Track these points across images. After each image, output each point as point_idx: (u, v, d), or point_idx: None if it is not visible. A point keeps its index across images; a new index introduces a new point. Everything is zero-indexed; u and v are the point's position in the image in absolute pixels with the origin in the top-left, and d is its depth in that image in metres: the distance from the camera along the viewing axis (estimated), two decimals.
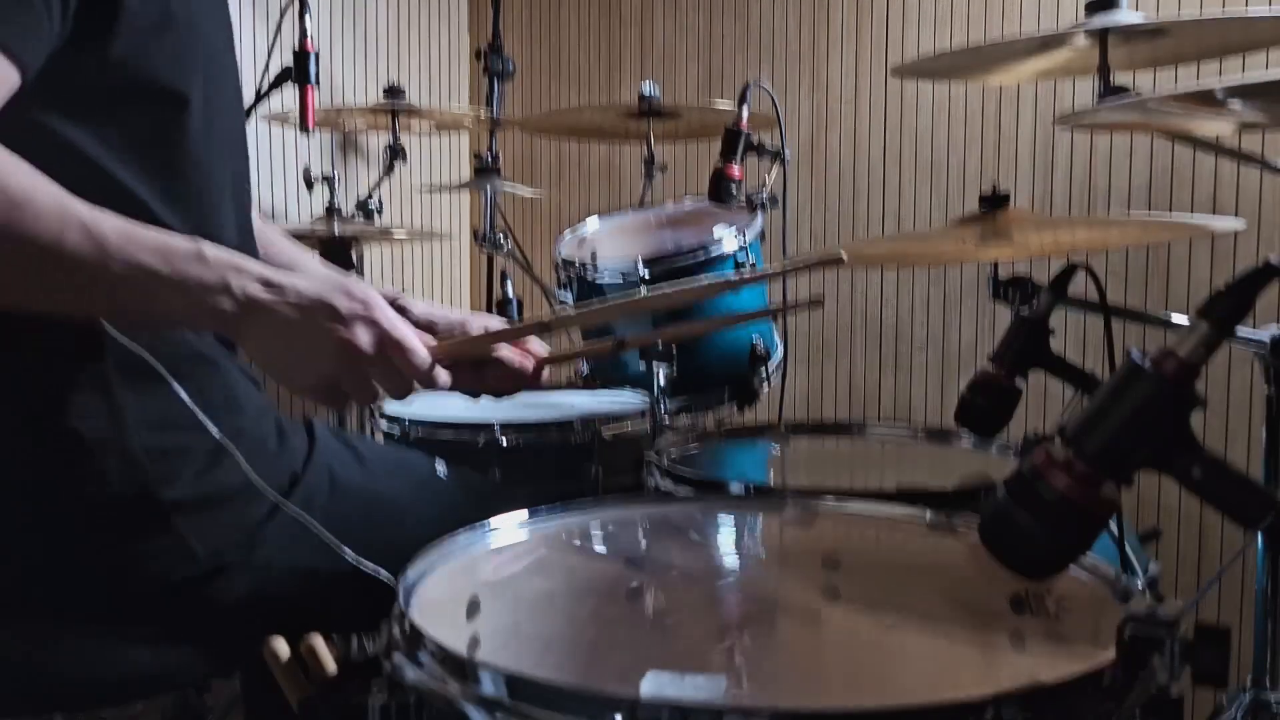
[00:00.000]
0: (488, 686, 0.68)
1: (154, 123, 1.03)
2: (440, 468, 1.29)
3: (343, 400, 0.97)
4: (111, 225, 0.90)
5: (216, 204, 1.12)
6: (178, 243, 0.92)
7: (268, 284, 0.93)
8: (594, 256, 2.21)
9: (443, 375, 0.99)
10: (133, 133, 1.02)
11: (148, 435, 1.02)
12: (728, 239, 2.01)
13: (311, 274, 1.02)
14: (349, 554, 1.00)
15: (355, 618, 0.98)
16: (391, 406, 1.77)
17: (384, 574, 0.95)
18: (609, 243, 2.30)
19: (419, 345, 0.96)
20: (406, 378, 0.96)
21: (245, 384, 1.14)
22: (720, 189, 2.02)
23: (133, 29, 0.98)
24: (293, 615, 1.06)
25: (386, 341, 0.94)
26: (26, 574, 1.01)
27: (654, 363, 1.94)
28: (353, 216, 2.59)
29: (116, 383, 1.01)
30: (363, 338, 0.93)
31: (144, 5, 0.99)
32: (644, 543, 1.10)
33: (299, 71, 2.22)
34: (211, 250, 0.93)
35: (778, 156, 2.10)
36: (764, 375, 2.07)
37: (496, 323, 1.42)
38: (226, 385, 1.10)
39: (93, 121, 0.99)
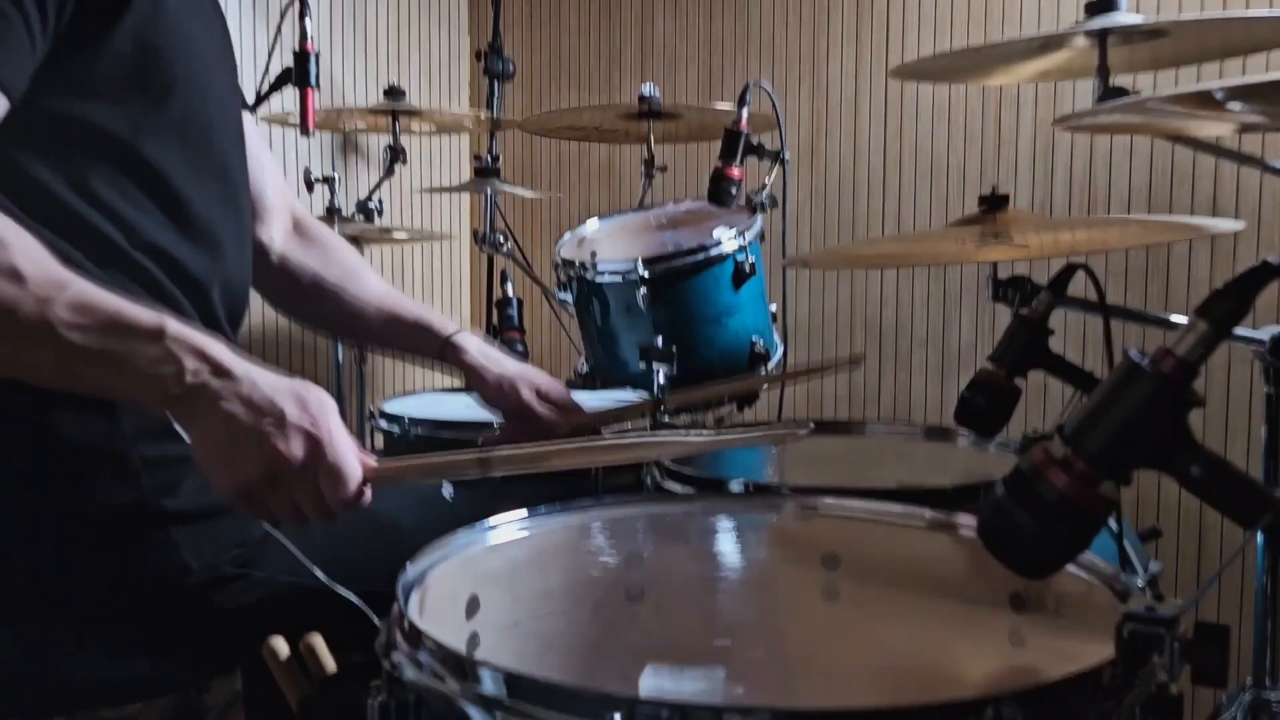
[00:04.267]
0: (487, 685, 0.68)
1: (121, 143, 1.03)
2: (447, 490, 1.29)
3: (262, 511, 0.93)
4: (71, 294, 0.87)
5: (207, 216, 1.12)
6: (139, 317, 0.89)
7: (223, 372, 0.90)
8: (594, 257, 2.21)
9: (367, 495, 0.95)
10: (97, 149, 1.01)
11: (145, 446, 1.01)
12: (727, 240, 2.01)
13: (273, 377, 0.95)
14: (320, 576, 0.97)
15: (352, 628, 0.98)
16: (392, 405, 1.76)
17: (354, 598, 0.92)
18: (609, 243, 2.30)
19: (352, 471, 0.92)
20: (329, 501, 0.92)
21: None
22: (720, 190, 2.02)
23: (113, 51, 0.99)
24: (290, 624, 1.07)
25: (319, 461, 0.91)
26: (26, 579, 1.01)
27: (654, 363, 1.94)
28: (353, 217, 2.60)
29: None
30: (296, 449, 0.90)
31: (132, 27, 0.99)
32: (644, 542, 1.10)
33: (299, 73, 2.22)
34: (175, 328, 0.90)
35: (778, 157, 2.10)
36: (764, 375, 2.07)
37: (544, 381, 1.46)
38: None
39: (58, 148, 0.99)
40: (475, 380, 1.42)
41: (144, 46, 1.02)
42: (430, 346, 1.41)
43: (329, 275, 1.39)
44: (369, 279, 1.42)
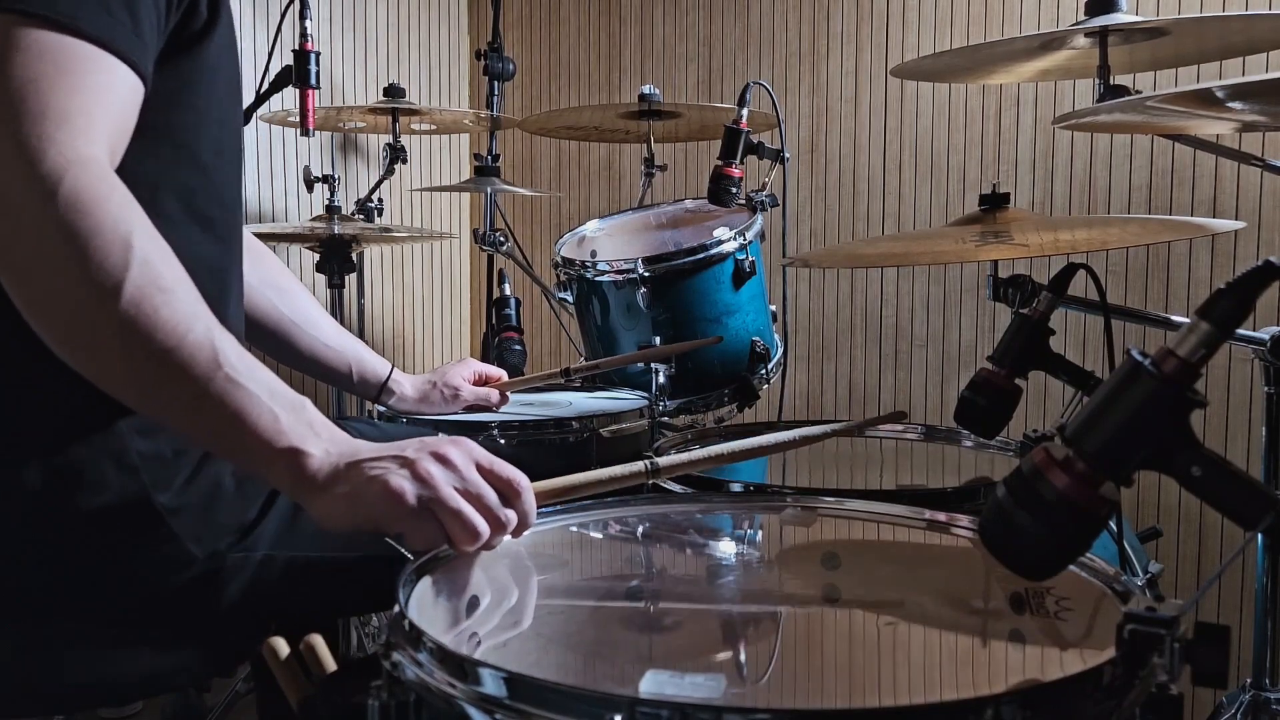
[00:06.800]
0: (487, 686, 0.68)
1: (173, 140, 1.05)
2: None
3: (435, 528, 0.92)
4: (232, 343, 0.90)
5: (232, 218, 1.14)
6: (287, 390, 0.92)
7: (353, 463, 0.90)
8: (594, 256, 2.21)
9: (530, 500, 0.97)
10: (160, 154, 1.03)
11: (141, 440, 1.02)
12: (727, 239, 2.01)
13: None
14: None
15: (355, 608, 0.98)
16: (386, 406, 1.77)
17: (407, 554, 0.93)
18: (609, 243, 2.30)
19: (506, 467, 0.94)
20: (499, 486, 0.94)
21: None
22: (720, 189, 2.02)
23: (195, 57, 1.03)
24: (293, 610, 1.06)
25: (462, 459, 0.93)
26: (27, 578, 1.01)
27: (653, 362, 1.95)
28: (353, 216, 2.60)
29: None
30: (428, 462, 0.90)
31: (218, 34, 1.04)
32: (644, 542, 1.10)
33: (299, 73, 2.22)
34: (315, 411, 0.93)
35: (778, 156, 2.10)
36: (764, 374, 2.07)
37: (476, 366, 1.74)
38: None
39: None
40: (425, 402, 1.69)
41: (211, 66, 1.05)
42: (369, 392, 1.63)
43: (284, 317, 1.47)
44: (314, 316, 1.51)
